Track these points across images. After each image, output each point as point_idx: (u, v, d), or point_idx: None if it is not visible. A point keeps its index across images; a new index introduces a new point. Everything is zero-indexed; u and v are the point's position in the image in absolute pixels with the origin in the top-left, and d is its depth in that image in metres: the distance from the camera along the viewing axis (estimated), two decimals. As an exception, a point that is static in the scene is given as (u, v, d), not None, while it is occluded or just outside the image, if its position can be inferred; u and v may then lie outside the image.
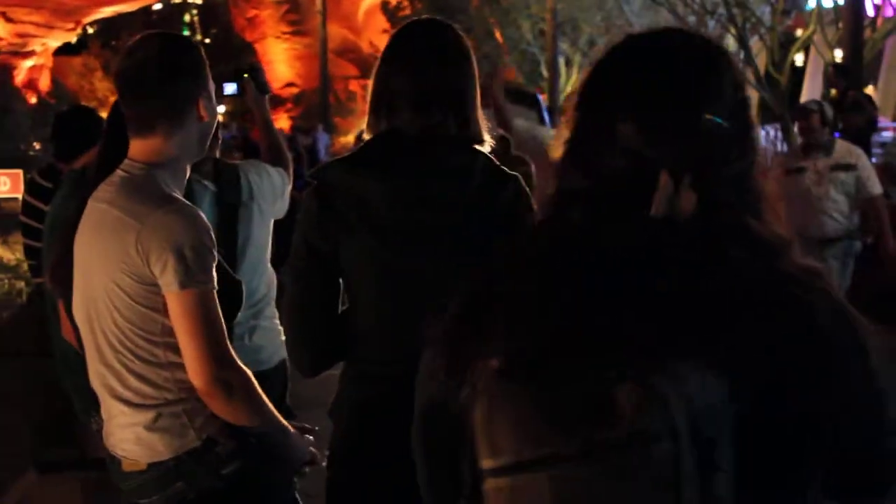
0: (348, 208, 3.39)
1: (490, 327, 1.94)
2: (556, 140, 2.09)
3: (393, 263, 3.40)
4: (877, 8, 24.89)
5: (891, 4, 25.71)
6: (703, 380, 1.77)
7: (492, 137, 3.58)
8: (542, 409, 1.81)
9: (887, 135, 26.60)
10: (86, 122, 6.56)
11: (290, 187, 5.19)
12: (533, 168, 10.26)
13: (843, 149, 9.80)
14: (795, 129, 9.30)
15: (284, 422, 3.57)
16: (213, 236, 3.43)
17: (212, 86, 3.63)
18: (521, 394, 1.84)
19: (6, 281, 12.44)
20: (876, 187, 9.72)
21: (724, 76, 1.99)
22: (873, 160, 17.72)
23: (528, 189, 3.50)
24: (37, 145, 30.65)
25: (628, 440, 1.74)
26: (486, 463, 1.87)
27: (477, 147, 3.52)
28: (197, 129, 3.56)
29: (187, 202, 3.47)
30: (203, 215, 3.44)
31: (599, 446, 1.75)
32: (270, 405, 3.50)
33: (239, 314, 4.18)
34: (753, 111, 2.06)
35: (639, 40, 2.06)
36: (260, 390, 3.45)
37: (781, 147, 22.25)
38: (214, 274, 3.37)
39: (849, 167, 9.59)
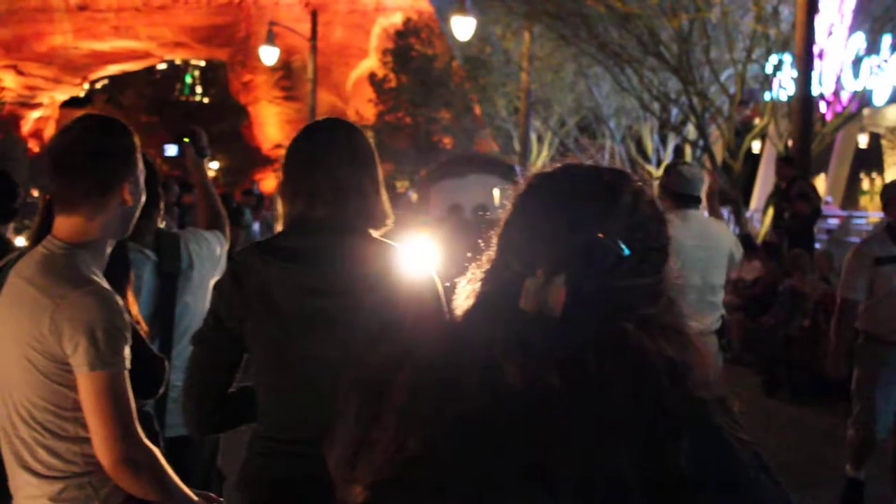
0: (254, 291, 3.42)
1: (372, 444, 1.92)
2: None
3: (290, 346, 3.43)
4: (828, 103, 25.08)
5: (840, 101, 25.92)
6: None
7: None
8: None
9: (834, 221, 26.81)
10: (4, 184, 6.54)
11: (226, 248, 5.18)
12: None
13: None
14: (884, 214, 8.36)
15: (192, 495, 3.46)
16: (128, 318, 3.37)
17: (141, 171, 3.56)
18: None
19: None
20: None
21: (616, 205, 2.01)
22: (817, 245, 17.80)
23: (435, 281, 3.55)
24: (34, 192, 30.57)
25: None
26: None
27: (374, 235, 3.57)
28: (120, 212, 3.48)
29: (104, 284, 3.37)
30: (118, 298, 3.36)
31: None
32: (177, 481, 3.41)
33: (174, 377, 4.16)
34: (665, 235, 2.05)
35: (541, 181, 2.11)
36: (167, 467, 3.37)
37: (734, 229, 22.27)
38: (127, 355, 3.30)
39: None
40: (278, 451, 3.43)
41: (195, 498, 3.47)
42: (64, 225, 3.43)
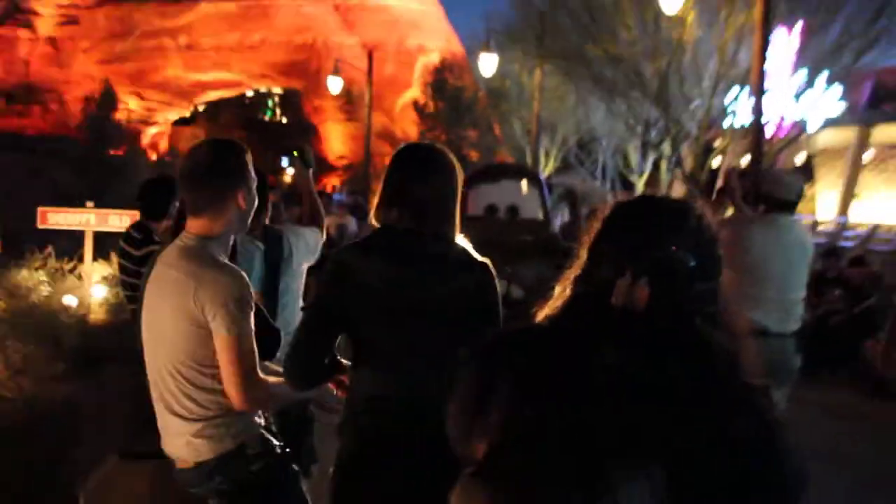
0: (357, 283, 3.38)
1: (492, 408, 1.92)
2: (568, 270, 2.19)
3: (390, 328, 3.38)
4: (775, 129, 24.99)
5: (782, 128, 25.80)
6: (638, 491, 1.74)
7: None
8: None
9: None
10: (163, 189, 6.51)
11: (322, 240, 5.19)
12: None
13: None
14: None
15: (307, 394, 3.63)
16: (252, 291, 3.41)
17: (253, 181, 3.58)
18: (486, 491, 1.81)
19: (120, 293, 12.38)
20: None
21: (686, 227, 2.08)
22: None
23: (494, 273, 3.48)
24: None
25: None
26: None
27: (450, 240, 3.49)
28: (237, 214, 3.52)
29: (232, 265, 3.43)
30: (244, 274, 3.40)
31: None
32: (290, 394, 3.54)
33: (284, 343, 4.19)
34: (720, 250, 2.10)
35: (625, 206, 2.18)
36: (278, 388, 3.46)
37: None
38: (251, 320, 3.34)
39: None
40: (370, 409, 3.41)
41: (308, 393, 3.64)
42: (194, 224, 3.48)
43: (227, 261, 3.45)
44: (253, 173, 3.62)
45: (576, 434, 1.80)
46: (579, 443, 1.79)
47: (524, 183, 18.64)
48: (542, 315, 2.11)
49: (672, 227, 2.07)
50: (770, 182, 6.25)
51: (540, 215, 17.53)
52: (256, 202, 3.66)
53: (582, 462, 1.77)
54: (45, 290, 11.92)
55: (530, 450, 1.81)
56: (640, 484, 1.75)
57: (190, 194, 3.52)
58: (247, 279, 3.39)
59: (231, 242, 3.59)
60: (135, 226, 6.67)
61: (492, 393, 1.92)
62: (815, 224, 29.86)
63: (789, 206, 6.16)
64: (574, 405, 1.84)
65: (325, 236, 5.25)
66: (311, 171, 5.40)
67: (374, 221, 3.54)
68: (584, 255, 2.13)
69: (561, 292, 2.11)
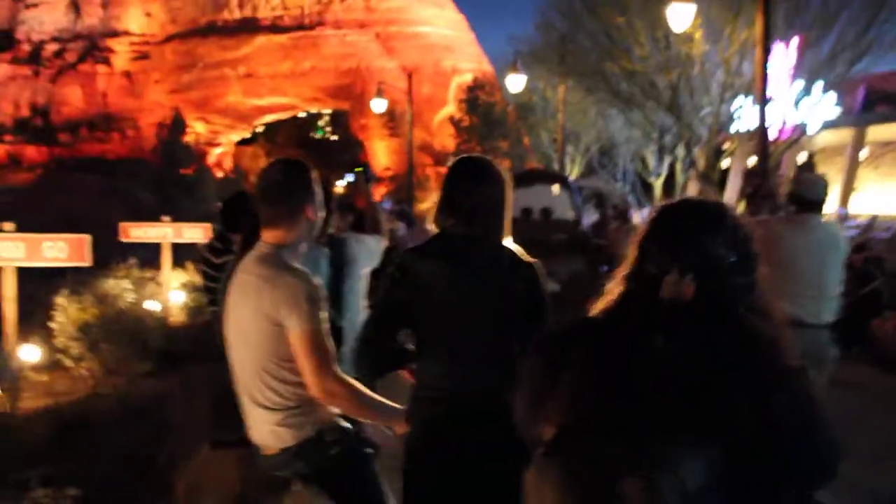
0: (419, 283, 3.40)
1: (557, 394, 1.93)
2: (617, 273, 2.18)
3: (448, 323, 3.39)
4: (778, 132, 24.79)
5: (785, 131, 25.60)
6: (696, 466, 1.76)
7: None
8: (571, 485, 1.79)
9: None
10: (242, 204, 6.57)
11: (384, 245, 5.21)
12: None
13: None
14: None
15: (389, 405, 3.49)
16: (322, 291, 3.42)
17: (319, 195, 3.61)
18: (558, 469, 1.82)
19: (199, 297, 12.52)
20: None
21: (724, 228, 2.09)
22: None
23: (542, 271, 3.47)
24: (220, 205, 30.80)
25: None
26: None
27: (502, 243, 3.48)
28: (307, 225, 3.56)
29: (303, 269, 3.44)
30: (315, 278, 3.41)
31: None
32: (373, 398, 3.46)
33: (347, 341, 4.20)
34: (755, 247, 2.11)
35: (669, 210, 2.18)
36: (361, 391, 3.41)
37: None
38: (324, 317, 3.35)
39: None
40: (432, 398, 3.41)
41: (394, 406, 3.50)
42: (269, 235, 3.51)
43: (299, 266, 3.48)
44: (319, 189, 3.65)
45: (634, 417, 1.82)
46: (638, 425, 1.81)
47: (556, 187, 18.64)
48: (597, 309, 2.11)
49: (712, 227, 2.08)
50: (800, 184, 6.14)
51: (571, 216, 17.56)
52: (323, 214, 3.69)
53: (642, 442, 1.78)
54: (130, 297, 12.05)
55: (595, 432, 1.83)
56: (699, 461, 1.76)
57: (266, 209, 3.55)
58: (316, 281, 3.41)
59: (301, 251, 3.62)
60: (216, 236, 6.74)
61: (556, 380, 1.93)
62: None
63: (817, 205, 6.04)
64: (631, 390, 1.85)
65: (387, 243, 5.27)
66: (371, 184, 5.43)
67: (432, 227, 3.54)
68: (633, 254, 2.13)
69: (613, 289, 2.11)
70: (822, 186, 6.13)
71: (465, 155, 3.76)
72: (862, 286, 12.72)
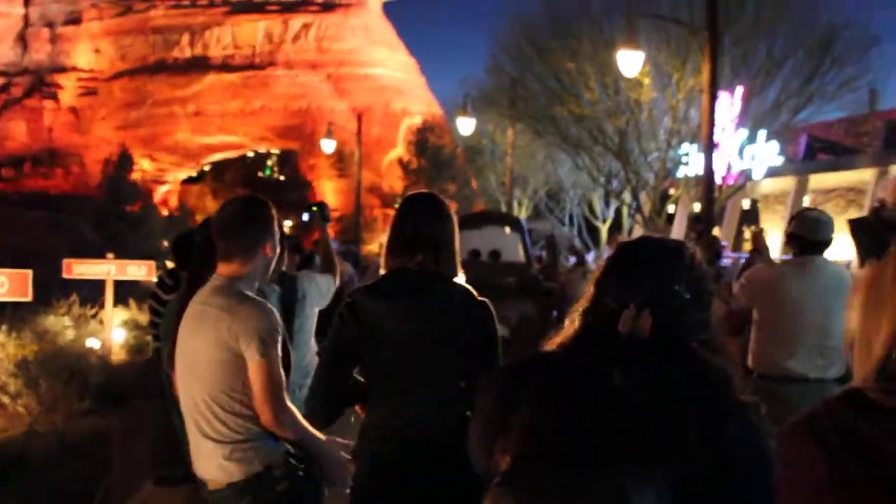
0: (369, 322, 3.37)
1: (512, 425, 1.93)
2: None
3: (399, 361, 3.36)
4: (722, 179, 25.19)
5: (731, 177, 26.04)
6: (648, 497, 1.77)
7: None
8: None
9: (727, 262, 26.75)
10: (193, 242, 6.53)
11: (335, 286, 5.17)
12: None
13: None
14: None
15: (321, 439, 3.51)
16: (279, 322, 3.44)
17: (277, 232, 3.63)
18: (513, 499, 1.81)
19: (141, 335, 12.40)
20: None
21: (681, 265, 2.11)
22: (724, 280, 17.65)
23: (493, 311, 3.46)
24: (165, 243, 30.54)
25: None
26: None
27: (454, 280, 3.47)
28: (263, 261, 3.58)
29: (262, 300, 3.48)
30: (272, 308, 3.45)
31: None
32: (315, 432, 3.49)
33: (294, 376, 4.18)
34: (710, 284, 2.15)
35: (628, 247, 2.23)
36: (304, 423, 3.45)
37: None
38: (279, 348, 3.36)
39: None
40: (380, 434, 3.39)
41: (322, 440, 3.52)
42: (225, 268, 3.52)
43: (256, 296, 3.47)
44: (277, 228, 3.65)
45: (588, 449, 1.82)
46: (592, 457, 1.81)
47: (506, 229, 18.40)
48: (553, 343, 2.12)
49: (670, 264, 2.11)
50: (801, 222, 5.48)
51: (521, 258, 17.33)
52: (279, 252, 3.70)
53: (596, 473, 1.78)
54: (70, 333, 11.89)
55: (549, 463, 1.83)
56: (650, 493, 1.76)
57: (223, 242, 3.55)
58: (275, 312, 3.43)
59: (256, 286, 3.60)
60: (168, 273, 6.71)
61: (511, 411, 1.93)
62: (761, 262, 29.96)
63: (822, 246, 5.41)
64: (587, 422, 1.85)
65: (338, 283, 5.23)
66: (327, 224, 5.40)
67: (382, 267, 3.52)
68: (591, 289, 2.15)
69: (570, 324, 2.13)
70: (825, 225, 5.43)
71: (418, 191, 3.77)
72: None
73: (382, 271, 3.51)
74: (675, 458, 1.81)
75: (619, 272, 2.14)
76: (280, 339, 3.39)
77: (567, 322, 2.14)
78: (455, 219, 3.59)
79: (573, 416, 1.87)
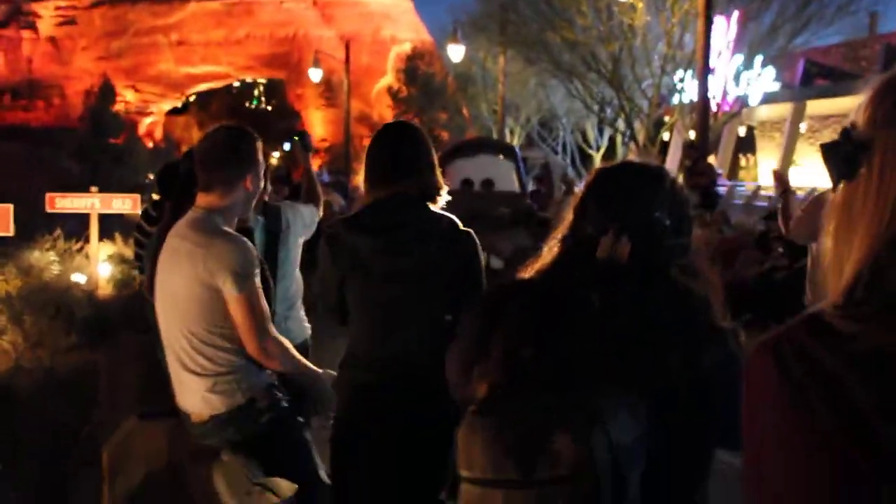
0: (345, 254, 3.38)
1: (490, 350, 1.93)
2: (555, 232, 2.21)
3: (376, 294, 3.37)
4: (718, 105, 25.08)
5: (727, 103, 25.92)
6: (626, 419, 1.79)
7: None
8: (502, 442, 1.80)
9: (722, 189, 26.80)
10: (178, 173, 6.50)
11: (318, 216, 5.15)
12: None
13: None
14: None
15: (314, 368, 3.61)
16: (256, 254, 3.45)
17: (261, 165, 3.60)
18: (490, 426, 1.83)
19: (127, 269, 12.38)
20: None
21: (661, 190, 2.12)
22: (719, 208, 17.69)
23: (477, 242, 3.46)
24: (150, 176, 30.38)
25: (561, 478, 1.75)
26: (462, 472, 1.87)
27: (438, 209, 3.46)
28: (244, 194, 3.55)
29: (237, 234, 3.47)
30: (248, 241, 3.44)
31: (539, 480, 1.76)
32: (302, 360, 3.57)
33: (279, 307, 4.20)
34: (690, 209, 2.14)
35: (608, 172, 2.25)
36: (292, 351, 3.50)
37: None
38: (258, 279, 3.38)
39: None
40: (362, 365, 3.40)
41: (315, 369, 3.61)
42: (203, 200, 3.51)
43: (232, 230, 3.46)
44: (262, 160, 3.62)
45: (568, 371, 1.84)
46: (572, 379, 1.83)
47: (500, 157, 17.94)
48: (532, 269, 2.12)
49: (649, 191, 2.11)
50: None
51: (516, 188, 17.04)
52: (262, 185, 3.67)
53: (575, 396, 1.80)
54: (55, 269, 11.86)
55: (528, 387, 1.84)
56: (628, 415, 1.78)
57: (204, 173, 3.53)
58: (250, 245, 3.42)
59: (235, 219, 3.59)
60: (153, 205, 6.68)
61: (491, 337, 1.93)
62: (758, 189, 29.99)
63: None
64: (566, 346, 1.86)
65: (321, 213, 5.22)
66: (309, 153, 5.36)
67: (364, 196, 3.51)
68: (570, 215, 2.16)
69: (549, 250, 2.12)
70: None
71: (393, 121, 3.78)
72: (798, 259, 12.89)
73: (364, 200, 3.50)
74: (653, 382, 1.84)
75: (598, 197, 2.14)
76: (258, 271, 3.39)
77: (545, 248, 2.14)
78: (427, 141, 3.58)
79: (552, 341, 1.88)
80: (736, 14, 25.09)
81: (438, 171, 3.54)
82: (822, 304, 1.13)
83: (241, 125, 3.74)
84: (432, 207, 3.46)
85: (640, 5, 23.26)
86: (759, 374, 1.11)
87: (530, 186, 18.99)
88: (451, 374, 2.05)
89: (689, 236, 2.14)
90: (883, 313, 1.05)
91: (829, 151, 1.15)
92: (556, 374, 1.83)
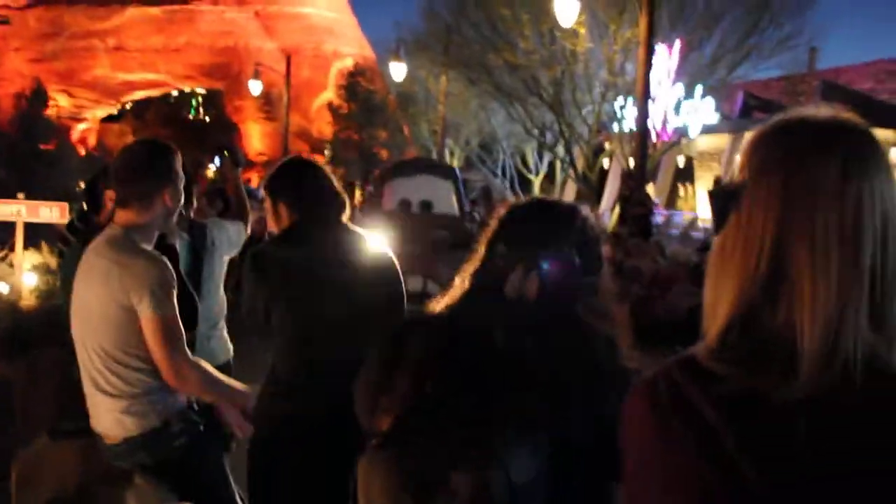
0: (273, 271, 3.43)
1: (395, 383, 1.94)
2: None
3: (300, 307, 3.39)
4: (658, 134, 25.40)
5: (666, 133, 26.26)
6: (525, 458, 1.81)
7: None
8: (400, 476, 1.81)
9: (660, 218, 27.14)
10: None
11: (246, 233, 5.13)
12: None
13: None
14: None
15: (238, 388, 3.57)
16: (173, 275, 3.41)
17: (180, 181, 3.58)
18: (389, 459, 1.85)
19: (53, 280, 12.20)
20: None
21: (572, 229, 2.14)
22: (654, 238, 17.87)
23: (398, 267, 3.52)
24: (82, 184, 29.92)
25: None
26: None
27: (359, 232, 3.57)
28: (162, 211, 3.52)
29: (155, 252, 3.44)
30: (166, 260, 3.40)
31: None
32: (222, 380, 3.51)
33: (202, 326, 4.18)
34: (601, 248, 2.17)
35: (520, 208, 2.24)
36: (212, 372, 3.46)
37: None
38: (174, 301, 3.34)
39: None
40: (282, 392, 3.42)
41: (240, 387, 3.57)
42: (121, 217, 3.48)
43: (149, 249, 3.44)
44: (181, 174, 3.61)
45: (469, 409, 1.85)
46: (472, 416, 1.84)
47: (440, 178, 17.65)
48: (442, 304, 2.15)
49: (560, 228, 2.14)
50: None
51: (456, 211, 16.62)
52: (182, 200, 3.65)
53: (474, 433, 1.82)
54: (-23, 277, 11.63)
55: (429, 422, 1.86)
56: (527, 455, 1.81)
57: (120, 189, 3.50)
58: (168, 264, 3.39)
59: (154, 236, 3.57)
60: (78, 216, 6.58)
61: (397, 371, 1.95)
62: (696, 219, 30.41)
63: None
64: (469, 383, 1.88)
65: (249, 231, 5.20)
66: (239, 168, 5.34)
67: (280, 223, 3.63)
68: (481, 250, 2.18)
69: (460, 284, 2.15)
70: None
71: (288, 157, 4.02)
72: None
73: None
74: (554, 422, 1.86)
75: (508, 233, 2.16)
76: (174, 291, 3.36)
77: (457, 281, 2.17)
78: (328, 175, 3.76)
79: (454, 378, 1.90)
80: (678, 43, 25.47)
81: (343, 192, 3.74)
82: (698, 345, 1.18)
83: (160, 139, 3.73)
84: (345, 222, 3.55)
85: (583, 31, 23.51)
86: (635, 414, 1.16)
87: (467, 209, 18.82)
88: (358, 405, 2.07)
89: (597, 276, 2.17)
90: (751, 357, 1.10)
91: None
92: (457, 411, 1.85)
